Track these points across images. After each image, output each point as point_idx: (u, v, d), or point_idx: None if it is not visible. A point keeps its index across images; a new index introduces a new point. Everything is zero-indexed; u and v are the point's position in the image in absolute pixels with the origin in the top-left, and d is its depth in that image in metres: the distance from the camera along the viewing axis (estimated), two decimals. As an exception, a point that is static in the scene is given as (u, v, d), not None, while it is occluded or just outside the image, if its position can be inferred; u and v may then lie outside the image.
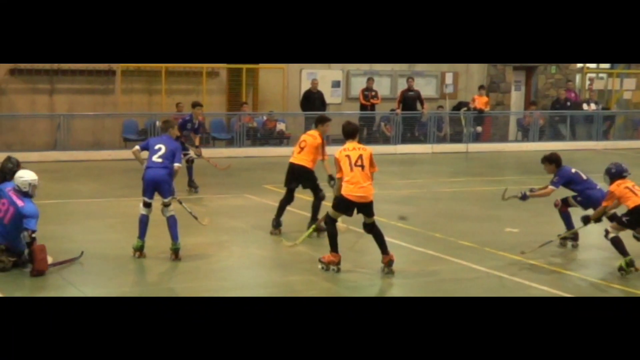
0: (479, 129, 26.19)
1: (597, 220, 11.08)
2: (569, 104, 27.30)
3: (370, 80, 25.13)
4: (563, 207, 11.90)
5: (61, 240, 11.17)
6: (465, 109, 25.79)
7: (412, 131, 25.51)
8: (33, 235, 9.90)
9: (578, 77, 29.75)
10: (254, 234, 12.59)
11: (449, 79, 27.33)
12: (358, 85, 25.91)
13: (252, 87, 25.02)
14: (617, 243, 10.60)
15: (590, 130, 27.54)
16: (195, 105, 16.95)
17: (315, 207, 12.34)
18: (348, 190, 10.18)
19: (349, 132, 10.50)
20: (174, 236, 10.74)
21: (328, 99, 24.80)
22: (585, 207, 11.65)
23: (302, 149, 12.20)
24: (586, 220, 11.22)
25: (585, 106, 27.74)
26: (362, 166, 10.20)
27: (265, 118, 24.22)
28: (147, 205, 10.81)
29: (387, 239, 10.79)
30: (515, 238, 12.40)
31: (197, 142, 16.62)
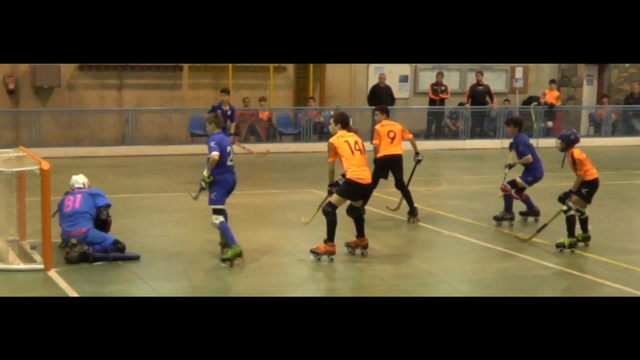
0: (550, 123, 25.78)
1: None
2: (643, 98, 26.74)
3: (440, 74, 24.92)
4: (509, 190, 12.69)
5: (130, 234, 11.24)
6: (535, 103, 25.43)
7: (482, 126, 25.23)
8: (108, 213, 10.62)
9: (653, 70, 29.12)
10: (321, 229, 12.53)
11: (519, 73, 26.96)
12: (426, 79, 25.70)
13: (319, 82, 24.98)
14: (572, 222, 11.03)
15: (665, 125, 26.95)
16: (222, 91, 16.95)
17: (406, 193, 12.89)
18: (358, 174, 10.35)
19: (346, 121, 10.81)
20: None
21: (396, 93, 24.65)
22: (532, 185, 12.73)
23: (392, 139, 12.62)
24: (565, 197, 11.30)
25: (660, 101, 27.15)
26: (361, 150, 10.45)
27: (332, 113, 24.13)
28: (223, 212, 10.43)
29: (455, 234, 10.62)
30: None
31: (232, 130, 16.51)
